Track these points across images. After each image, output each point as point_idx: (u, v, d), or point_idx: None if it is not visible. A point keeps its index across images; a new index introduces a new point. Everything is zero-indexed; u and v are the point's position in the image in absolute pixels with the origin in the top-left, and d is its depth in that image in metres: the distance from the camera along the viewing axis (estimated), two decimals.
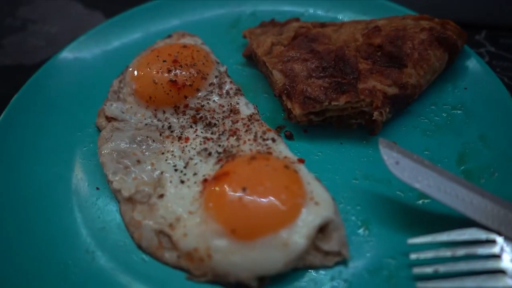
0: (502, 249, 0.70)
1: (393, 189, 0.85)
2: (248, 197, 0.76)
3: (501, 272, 0.69)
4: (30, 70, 1.13)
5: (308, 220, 0.76)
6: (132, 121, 0.98)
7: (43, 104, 1.03)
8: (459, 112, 0.96)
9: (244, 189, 0.77)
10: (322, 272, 0.76)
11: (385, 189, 0.86)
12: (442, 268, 0.71)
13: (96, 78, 1.09)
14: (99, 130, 0.99)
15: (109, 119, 0.99)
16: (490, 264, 0.70)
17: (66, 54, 1.14)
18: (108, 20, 1.22)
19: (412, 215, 0.82)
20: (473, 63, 1.02)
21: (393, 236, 0.79)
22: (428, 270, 0.71)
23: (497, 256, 0.70)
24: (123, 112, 0.99)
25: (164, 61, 1.01)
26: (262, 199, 0.76)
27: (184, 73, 1.00)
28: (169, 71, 1.00)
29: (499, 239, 0.71)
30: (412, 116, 0.97)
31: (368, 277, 0.74)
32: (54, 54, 1.14)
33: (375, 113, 0.90)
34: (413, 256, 0.74)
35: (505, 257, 0.70)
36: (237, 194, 0.77)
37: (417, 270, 0.72)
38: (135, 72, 1.03)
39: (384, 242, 0.79)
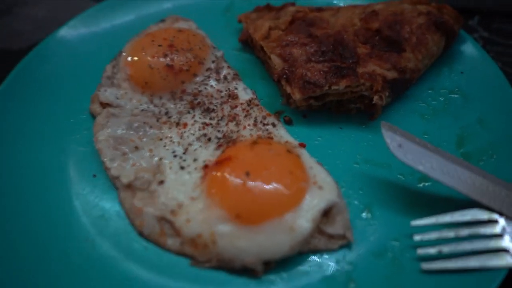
0: (503, 229, 0.72)
1: (394, 173, 0.86)
2: (252, 181, 0.76)
3: (504, 251, 0.70)
4: (17, 55, 1.11)
5: (312, 203, 0.77)
6: (128, 107, 0.97)
7: (33, 91, 1.01)
8: (456, 96, 0.98)
9: (247, 174, 0.77)
10: (326, 255, 0.77)
11: (386, 173, 0.87)
12: (445, 249, 0.72)
13: (88, 64, 1.07)
14: (93, 116, 0.97)
15: (104, 105, 0.97)
16: (493, 244, 0.71)
17: (56, 38, 1.11)
18: (98, 4, 1.19)
19: (414, 198, 0.83)
20: (469, 48, 1.03)
21: (396, 218, 0.80)
22: (432, 251, 0.72)
23: (499, 236, 0.71)
24: (118, 98, 0.98)
25: (159, 45, 1.00)
26: (266, 184, 0.76)
27: (180, 57, 0.99)
28: (165, 55, 0.98)
29: (501, 219, 0.73)
30: (410, 101, 0.98)
31: (373, 260, 0.75)
32: (41, 38, 1.11)
33: (375, 97, 0.90)
34: (416, 237, 0.74)
35: (507, 236, 0.71)
36: (241, 179, 0.77)
37: (421, 251, 0.73)
38: (130, 57, 1.01)
39: (387, 225, 0.79)
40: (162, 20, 1.14)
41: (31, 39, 1.23)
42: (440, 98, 0.98)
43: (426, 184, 0.84)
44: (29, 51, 1.07)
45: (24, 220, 0.80)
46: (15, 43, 1.23)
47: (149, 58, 0.98)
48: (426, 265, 0.72)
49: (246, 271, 0.74)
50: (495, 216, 0.73)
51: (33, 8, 1.32)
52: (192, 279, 0.74)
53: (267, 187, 0.76)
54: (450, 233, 0.73)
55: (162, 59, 0.98)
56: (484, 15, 1.19)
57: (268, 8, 1.12)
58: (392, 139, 0.79)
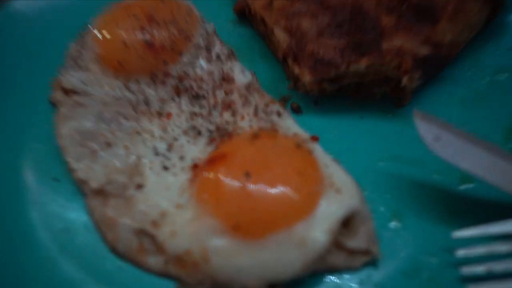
0: None
1: (429, 172, 0.86)
2: (253, 184, 0.75)
3: None
4: None
5: (329, 211, 0.75)
6: (98, 94, 0.95)
7: None
8: (503, 77, 0.97)
9: (247, 175, 0.75)
10: (347, 276, 0.76)
11: (419, 172, 0.86)
12: (497, 267, 0.71)
13: (48, 42, 1.06)
14: (54, 106, 0.96)
15: (68, 92, 0.96)
16: None
17: (9, 11, 1.10)
18: None
19: (454, 202, 0.82)
20: None
21: (433, 229, 0.79)
22: (480, 269, 0.72)
23: None
24: (85, 84, 0.96)
25: (136, 18, 0.98)
26: (271, 187, 0.75)
27: (162, 32, 0.97)
28: (143, 30, 0.97)
29: None
30: (446, 84, 0.97)
31: (404, 281, 0.75)
32: None
33: (404, 79, 0.89)
34: (460, 252, 0.74)
35: None
36: (239, 181, 0.76)
37: (465, 270, 0.72)
38: (99, 33, 0.99)
39: (422, 237, 0.79)
40: None
41: None
42: (484, 80, 0.97)
43: (470, 185, 0.84)
44: None
45: None
46: None
47: (123, 33, 0.97)
48: None
49: None
50: None
51: None
52: None
53: (271, 191, 0.75)
54: (502, 247, 0.72)
55: (139, 35, 0.96)
56: None
57: None
58: (427, 131, 0.78)
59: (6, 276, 0.75)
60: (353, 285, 0.74)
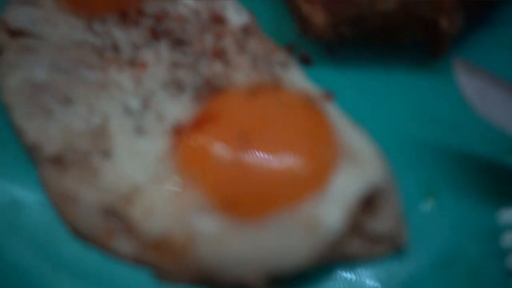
0: None
1: (472, 140, 0.88)
2: (249, 151, 0.76)
3: None
4: None
5: (345, 187, 0.76)
6: (53, 37, 0.96)
7: None
8: None
9: (243, 139, 0.77)
10: (366, 269, 0.78)
11: (459, 140, 0.88)
12: None
13: None
14: None
15: (14, 34, 0.96)
16: None
17: None
18: None
19: (501, 178, 0.84)
20: None
21: (474, 211, 0.81)
22: None
23: None
24: (35, 23, 0.97)
25: None
26: (272, 154, 0.77)
27: None
28: None
29: None
30: (496, 27, 0.99)
31: (437, 274, 0.77)
32: None
33: (443, 20, 0.90)
34: (507, 239, 0.75)
35: None
36: (232, 147, 0.77)
37: None
38: None
39: (461, 220, 0.81)
40: None
41: None
42: None
43: None
44: None
45: None
46: None
47: None
48: None
49: None
50: None
51: None
52: None
53: (273, 159, 0.76)
54: None
55: None
56: None
57: None
58: (469, 84, 0.80)
59: None
60: (373, 281, 0.76)
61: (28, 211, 0.82)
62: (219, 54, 0.92)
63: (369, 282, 0.76)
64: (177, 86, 0.89)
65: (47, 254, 0.78)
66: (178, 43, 0.94)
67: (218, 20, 0.96)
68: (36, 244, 0.79)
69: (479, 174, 0.84)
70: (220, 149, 0.77)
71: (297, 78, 0.90)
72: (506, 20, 0.99)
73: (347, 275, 0.77)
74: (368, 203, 0.78)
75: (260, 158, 0.76)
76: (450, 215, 0.81)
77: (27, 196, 0.83)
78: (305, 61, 0.97)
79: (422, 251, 0.78)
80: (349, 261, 0.77)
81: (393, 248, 0.78)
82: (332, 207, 0.74)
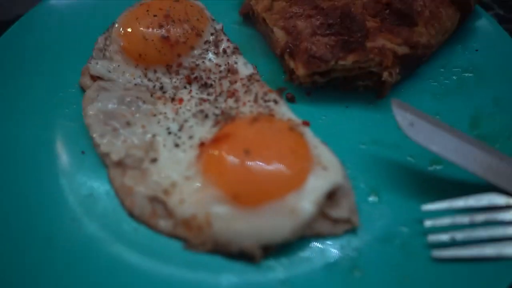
0: None
1: (403, 155, 0.83)
2: (251, 160, 0.73)
3: None
4: (3, 26, 1.04)
5: (316, 185, 0.73)
6: (120, 80, 0.93)
7: (20, 62, 0.97)
8: (470, 74, 0.94)
9: (246, 152, 0.73)
10: (330, 241, 0.74)
11: (395, 155, 0.84)
12: (459, 235, 0.69)
13: (79, 35, 1.03)
14: (83, 90, 0.93)
15: (94, 78, 0.93)
16: (511, 231, 0.67)
17: (45, 8, 1.06)
18: None
19: (425, 181, 0.80)
20: (484, 24, 0.99)
21: (405, 203, 0.77)
22: (444, 237, 0.69)
23: None
24: (109, 71, 0.94)
25: (154, 16, 0.95)
26: (267, 163, 0.73)
27: (177, 29, 0.94)
28: (161, 26, 0.93)
29: None
30: (422, 79, 0.94)
31: (380, 246, 0.73)
32: (28, 10, 1.06)
33: (385, 74, 0.87)
34: (428, 223, 0.72)
35: None
36: (239, 157, 0.73)
37: (432, 238, 0.70)
38: (123, 28, 0.96)
39: (396, 210, 0.77)
40: None
41: (18, 10, 1.16)
42: (453, 77, 0.94)
43: (438, 167, 0.81)
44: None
45: (6, 198, 0.77)
46: (1, 14, 1.18)
47: (143, 29, 0.93)
48: (437, 253, 0.69)
49: (243, 256, 0.71)
50: None
51: None
52: (185, 263, 0.71)
53: (267, 166, 0.73)
54: (464, 219, 0.70)
55: (157, 30, 0.93)
56: None
57: None
58: (403, 117, 0.76)
59: (37, 231, 0.73)
60: (335, 249, 0.72)
61: (100, 200, 0.79)
62: (232, 94, 0.89)
63: (331, 250, 0.72)
64: (202, 115, 0.86)
65: (111, 229, 0.75)
66: (205, 86, 0.92)
67: (232, 71, 0.93)
68: (105, 222, 0.76)
69: (409, 178, 0.80)
70: (230, 159, 0.74)
71: (285, 111, 0.86)
72: (428, 74, 0.95)
73: (317, 245, 0.73)
74: (331, 196, 0.75)
75: (258, 165, 0.73)
76: (388, 206, 0.77)
77: (100, 189, 0.80)
78: (291, 100, 0.93)
79: (368, 230, 0.74)
80: (318, 236, 0.74)
81: (348, 227, 0.74)
82: (306, 199, 0.72)
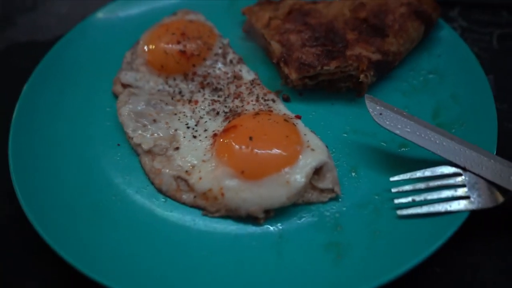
0: (465, 180, 0.85)
1: (378, 140, 0.98)
2: (254, 144, 0.88)
3: (465, 198, 0.83)
4: (44, 46, 1.21)
5: (306, 162, 0.88)
6: (146, 87, 1.09)
7: (64, 75, 1.13)
8: (433, 76, 1.09)
9: (250, 138, 0.89)
10: (317, 206, 0.89)
11: (371, 140, 0.98)
12: (417, 198, 0.84)
13: (109, 52, 1.19)
14: (116, 96, 1.09)
15: (125, 86, 1.10)
16: (457, 193, 0.84)
17: (80, 30, 1.23)
18: (115, 0, 1.31)
19: (394, 160, 0.94)
20: (446, 34, 1.15)
21: (378, 177, 0.90)
22: (407, 200, 0.85)
23: (462, 186, 0.84)
24: (137, 80, 1.10)
25: (173, 34, 1.13)
26: (267, 146, 0.88)
27: (192, 44, 1.11)
28: (178, 42, 1.11)
29: (464, 173, 0.86)
30: (394, 80, 1.10)
31: (357, 210, 0.87)
32: (65, 32, 1.23)
33: (361, 76, 1.03)
34: (394, 190, 0.86)
35: (468, 186, 0.84)
36: (245, 142, 0.88)
37: (397, 201, 0.85)
38: (147, 45, 1.14)
39: (371, 183, 0.90)
40: (174, 13, 1.26)
41: (56, 32, 1.36)
42: (420, 78, 1.09)
43: (405, 149, 0.95)
44: (55, 42, 1.19)
45: (65, 178, 0.94)
46: (42, 35, 1.36)
47: (164, 45, 1.11)
48: (401, 212, 0.84)
49: (250, 218, 0.87)
50: (459, 170, 0.86)
51: (55, 4, 1.46)
52: (202, 219, 0.89)
53: (267, 148, 0.88)
54: (422, 185, 0.85)
55: (175, 46, 1.10)
56: (464, 6, 1.33)
57: (269, 2, 1.24)
58: (373, 109, 0.92)
59: (88, 203, 0.90)
60: (321, 211, 0.87)
61: (134, 180, 0.95)
62: (238, 95, 1.05)
63: (318, 212, 0.87)
64: (214, 113, 1.02)
65: (145, 201, 0.91)
66: (215, 90, 1.08)
67: (237, 77, 1.09)
68: (139, 197, 0.92)
69: (382, 158, 0.94)
70: (238, 144, 0.89)
71: (281, 108, 1.02)
72: (399, 76, 1.10)
73: (307, 209, 0.87)
74: (318, 171, 0.89)
75: (260, 148, 0.87)
76: (365, 180, 0.91)
77: (133, 172, 0.96)
78: (286, 99, 1.08)
79: (348, 198, 0.88)
80: (308, 203, 0.88)
81: (332, 196, 0.88)
82: (298, 173, 0.86)
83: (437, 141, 0.88)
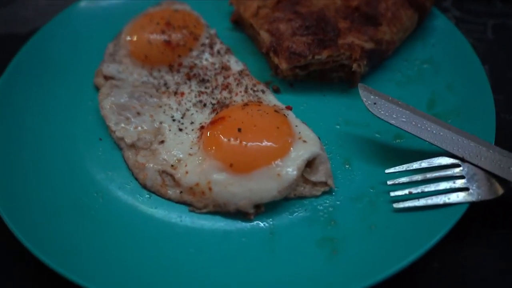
0: (464, 171, 0.82)
1: (372, 132, 0.96)
2: (243, 136, 0.86)
3: (464, 189, 0.81)
4: (23, 38, 1.18)
5: (298, 154, 0.86)
6: (129, 80, 1.06)
7: (43, 68, 1.10)
8: (428, 65, 1.08)
9: (239, 130, 0.86)
10: (310, 200, 0.87)
11: (365, 132, 0.96)
12: (414, 190, 0.82)
13: (91, 43, 1.16)
14: (97, 89, 1.06)
15: (107, 78, 1.06)
16: (455, 184, 0.82)
17: (60, 21, 1.20)
18: None
19: (389, 152, 0.92)
20: (440, 23, 1.14)
21: (373, 170, 0.89)
22: (403, 193, 0.83)
23: (460, 177, 0.82)
24: (119, 72, 1.07)
25: (157, 23, 1.10)
26: (256, 137, 0.86)
27: (177, 34, 1.08)
28: (163, 32, 1.08)
29: (463, 164, 0.83)
30: (387, 70, 1.08)
31: (351, 203, 0.85)
32: (44, 23, 1.20)
33: (354, 65, 1.01)
34: (389, 182, 0.84)
35: (467, 177, 0.82)
36: (233, 134, 0.86)
37: (393, 194, 0.83)
38: (130, 35, 1.11)
39: (365, 175, 0.88)
40: (159, 4, 1.23)
41: (35, 24, 1.32)
42: (414, 68, 1.08)
43: (400, 140, 0.93)
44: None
45: (43, 176, 0.91)
46: (20, 28, 1.33)
47: (148, 34, 1.08)
48: (397, 205, 0.82)
49: (239, 214, 0.84)
50: (458, 161, 0.84)
51: None
52: (189, 216, 0.86)
53: (256, 140, 0.85)
54: (418, 177, 0.83)
55: (160, 36, 1.08)
56: None
57: None
58: (367, 98, 0.90)
59: (69, 200, 0.86)
60: (314, 206, 0.85)
61: (117, 176, 0.92)
62: (226, 86, 1.02)
63: (311, 206, 0.85)
64: (201, 104, 1.00)
65: (128, 198, 0.88)
66: (202, 81, 1.05)
67: (225, 68, 1.07)
68: (122, 193, 0.89)
69: (376, 150, 0.92)
70: (226, 136, 0.86)
71: (271, 99, 0.99)
72: (392, 66, 1.08)
73: (300, 203, 0.85)
74: (311, 163, 0.87)
75: (249, 139, 0.85)
76: (359, 172, 0.89)
77: (116, 168, 0.93)
78: (276, 91, 1.06)
79: (342, 191, 0.86)
80: (301, 197, 0.86)
81: (325, 189, 0.86)
82: (290, 166, 0.84)
83: (434, 131, 0.86)
